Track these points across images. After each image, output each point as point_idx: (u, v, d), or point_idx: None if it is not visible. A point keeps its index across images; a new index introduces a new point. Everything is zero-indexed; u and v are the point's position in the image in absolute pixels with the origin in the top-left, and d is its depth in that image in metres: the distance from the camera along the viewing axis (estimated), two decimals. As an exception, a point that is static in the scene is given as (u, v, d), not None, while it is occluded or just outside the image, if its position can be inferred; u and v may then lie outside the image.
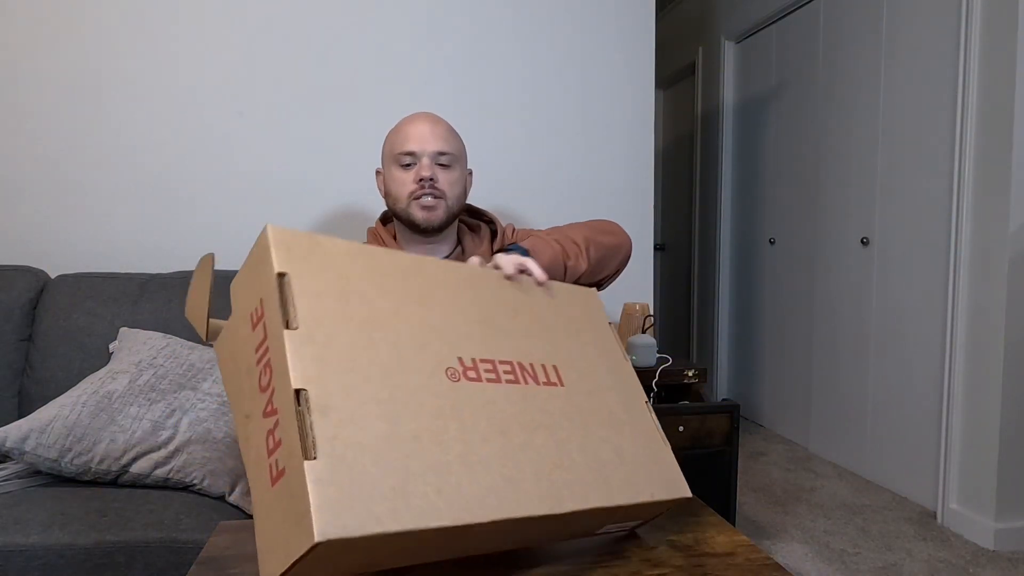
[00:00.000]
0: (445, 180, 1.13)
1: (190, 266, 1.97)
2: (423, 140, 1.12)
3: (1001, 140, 1.95)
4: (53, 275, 1.85)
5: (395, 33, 2.07)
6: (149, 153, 1.97)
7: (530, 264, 0.81)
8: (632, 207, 2.24)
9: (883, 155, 2.46)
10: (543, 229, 1.23)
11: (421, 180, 1.11)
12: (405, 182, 1.13)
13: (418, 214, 1.13)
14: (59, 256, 1.92)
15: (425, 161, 1.11)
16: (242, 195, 2.02)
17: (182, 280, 1.80)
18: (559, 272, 1.04)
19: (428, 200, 1.12)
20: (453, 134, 1.16)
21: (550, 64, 2.16)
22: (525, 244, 1.02)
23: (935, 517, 2.20)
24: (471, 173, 1.24)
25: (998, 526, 1.98)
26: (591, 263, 1.10)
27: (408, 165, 1.13)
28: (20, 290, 1.73)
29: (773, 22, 3.16)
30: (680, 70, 4.05)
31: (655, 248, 2.35)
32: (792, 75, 3.02)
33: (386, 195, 1.18)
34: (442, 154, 1.13)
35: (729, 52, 3.53)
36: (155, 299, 1.74)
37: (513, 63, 2.14)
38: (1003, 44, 1.93)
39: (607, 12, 2.18)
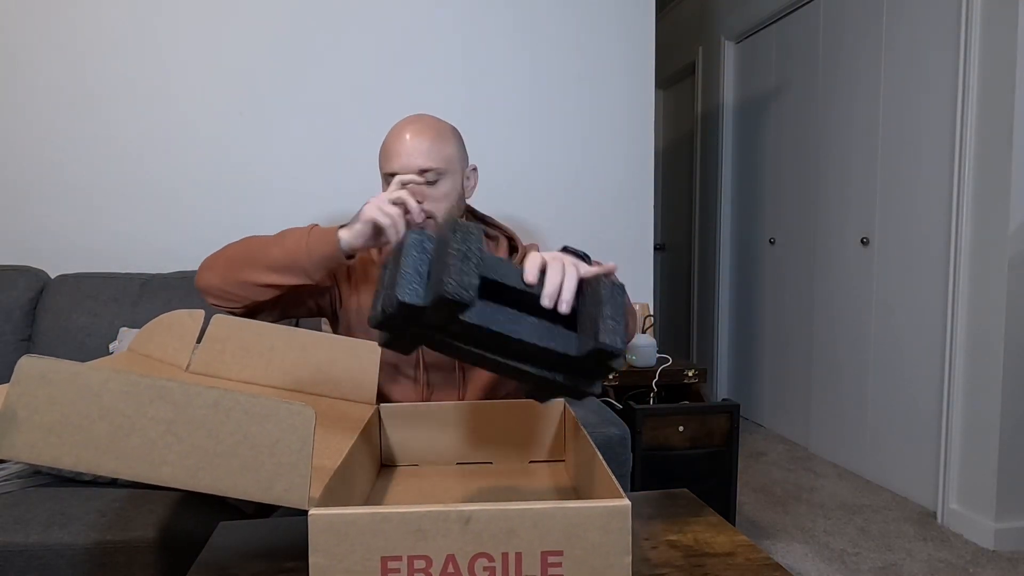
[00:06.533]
0: (432, 197, 1.09)
1: (190, 266, 1.97)
2: (404, 158, 1.07)
3: (1001, 140, 1.95)
4: (53, 275, 1.85)
5: (395, 35, 2.07)
6: (149, 154, 1.97)
7: (583, 268, 0.71)
8: (632, 207, 2.24)
9: (883, 155, 2.46)
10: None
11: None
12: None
13: None
14: (59, 256, 1.92)
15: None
16: (242, 196, 2.02)
17: (182, 280, 1.80)
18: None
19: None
20: (440, 141, 1.10)
21: (550, 64, 2.16)
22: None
23: (935, 517, 2.20)
24: (475, 169, 1.19)
25: (998, 526, 1.98)
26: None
27: None
28: (20, 290, 1.73)
29: (773, 22, 3.16)
30: (680, 70, 4.05)
31: (655, 248, 2.35)
32: (792, 75, 3.02)
33: None
34: (425, 171, 1.07)
35: (729, 52, 3.53)
36: (155, 299, 1.74)
37: (513, 64, 2.14)
38: (1003, 44, 1.93)
39: (607, 12, 2.18)
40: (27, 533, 1.12)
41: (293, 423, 0.63)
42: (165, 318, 1.00)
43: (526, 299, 0.67)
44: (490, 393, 1.15)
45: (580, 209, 2.21)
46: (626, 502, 0.60)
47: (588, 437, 0.80)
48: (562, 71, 2.17)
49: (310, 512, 0.58)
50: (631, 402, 1.88)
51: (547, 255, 0.72)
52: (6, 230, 1.93)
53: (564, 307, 0.67)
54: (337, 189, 2.06)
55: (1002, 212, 1.95)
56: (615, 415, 1.59)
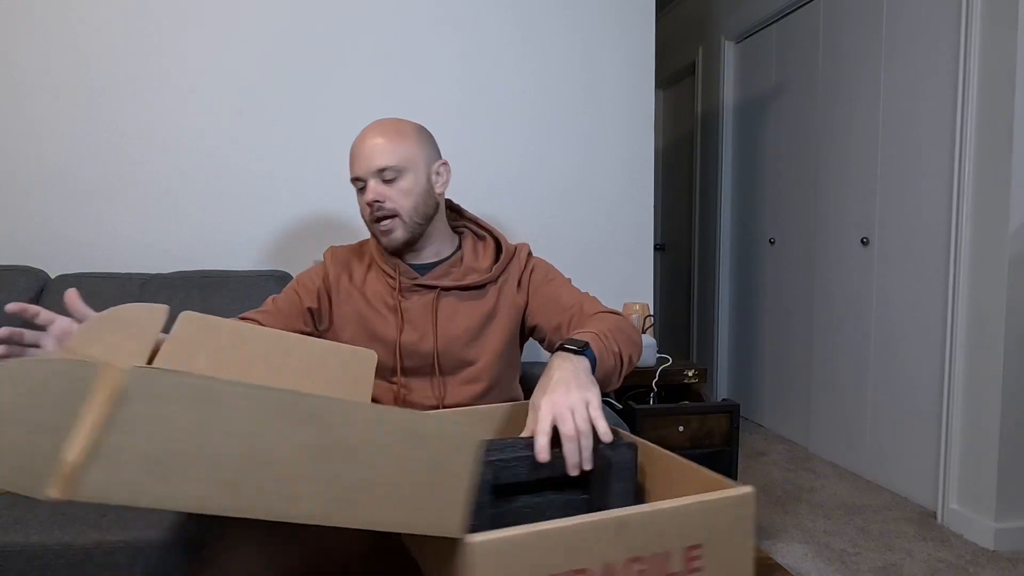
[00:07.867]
0: (394, 195, 1.10)
1: (190, 266, 1.97)
2: (363, 161, 1.10)
3: (1001, 140, 1.95)
4: (53, 275, 1.84)
5: (395, 33, 2.07)
6: (149, 153, 1.97)
7: (599, 425, 0.76)
8: (632, 207, 2.24)
9: (883, 155, 2.46)
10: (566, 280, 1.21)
11: (369, 205, 1.10)
12: (362, 206, 1.13)
13: (380, 238, 1.14)
14: (59, 256, 1.92)
15: (370, 184, 1.09)
16: (242, 196, 2.02)
17: (182, 280, 1.80)
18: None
19: (383, 224, 1.11)
20: (398, 139, 1.11)
21: (550, 64, 2.16)
22: (595, 350, 0.90)
23: (935, 517, 2.20)
24: (445, 164, 1.18)
25: (998, 526, 1.98)
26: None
27: (361, 190, 1.12)
28: (20, 290, 1.73)
29: (773, 22, 3.15)
30: (680, 70, 4.05)
31: (655, 248, 2.35)
32: (792, 75, 3.02)
33: None
34: (383, 170, 1.09)
35: (729, 52, 3.53)
36: (155, 299, 1.74)
37: (513, 63, 2.14)
38: (1003, 44, 1.93)
39: (607, 12, 2.18)
40: (27, 533, 1.12)
41: (457, 444, 0.58)
42: (117, 311, 0.77)
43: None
44: (469, 403, 1.14)
45: (580, 209, 2.21)
46: (750, 488, 0.64)
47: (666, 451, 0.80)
48: (562, 71, 2.17)
49: (467, 540, 0.55)
50: (631, 402, 1.88)
51: (557, 410, 0.76)
52: (6, 230, 1.93)
53: (587, 465, 0.75)
54: (337, 189, 2.05)
55: (1002, 212, 1.95)
56: (615, 415, 1.59)
